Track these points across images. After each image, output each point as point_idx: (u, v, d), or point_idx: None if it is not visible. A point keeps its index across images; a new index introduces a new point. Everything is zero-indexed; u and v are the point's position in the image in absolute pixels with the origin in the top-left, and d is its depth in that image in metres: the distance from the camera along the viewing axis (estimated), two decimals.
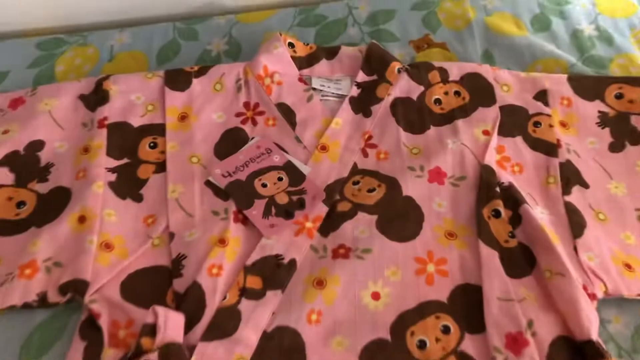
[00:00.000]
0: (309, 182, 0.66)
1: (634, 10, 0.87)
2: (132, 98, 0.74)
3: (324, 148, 0.70)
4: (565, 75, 0.77)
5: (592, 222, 0.65)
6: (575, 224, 0.64)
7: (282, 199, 0.65)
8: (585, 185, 0.68)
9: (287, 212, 0.65)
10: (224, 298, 0.58)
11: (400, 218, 0.65)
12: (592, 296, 0.59)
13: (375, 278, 0.61)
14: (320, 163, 0.69)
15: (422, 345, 0.57)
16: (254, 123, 0.73)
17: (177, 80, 0.75)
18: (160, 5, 0.87)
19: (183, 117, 0.73)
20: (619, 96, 0.75)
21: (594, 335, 0.55)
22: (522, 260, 0.62)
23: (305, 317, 0.59)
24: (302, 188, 0.66)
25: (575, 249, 0.62)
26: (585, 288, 0.59)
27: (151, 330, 0.54)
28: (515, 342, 0.55)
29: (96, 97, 0.74)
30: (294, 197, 0.66)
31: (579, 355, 0.55)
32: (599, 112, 0.74)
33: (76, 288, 0.59)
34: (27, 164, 0.69)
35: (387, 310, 0.59)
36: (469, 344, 0.57)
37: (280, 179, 0.67)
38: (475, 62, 0.79)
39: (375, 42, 0.79)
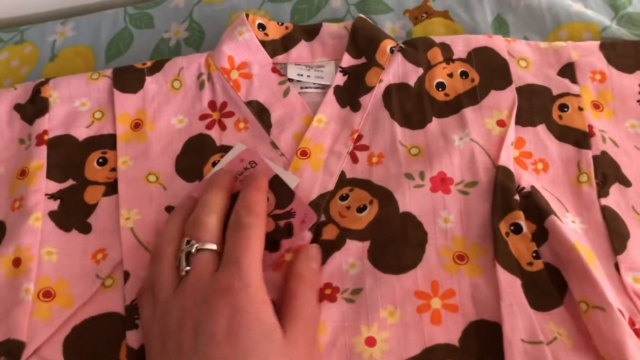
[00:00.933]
0: (297, 201, 0.54)
1: None
2: (76, 105, 0.63)
3: (304, 154, 0.58)
4: (597, 42, 0.63)
5: (637, 230, 0.53)
6: (617, 235, 0.52)
7: (268, 226, 0.53)
8: (626, 182, 0.55)
9: (272, 242, 0.53)
10: None
11: (396, 242, 0.53)
12: (639, 332, 0.47)
13: (369, 321, 0.49)
14: (301, 173, 0.57)
15: None
16: (222, 127, 0.61)
17: (128, 79, 0.63)
18: None
19: (137, 125, 0.61)
20: None
21: None
22: (550, 287, 0.50)
23: None
24: (291, 210, 0.54)
25: (617, 267, 0.50)
26: (631, 321, 0.47)
27: None
28: None
29: (34, 107, 0.62)
30: (281, 222, 0.54)
31: None
32: None
33: (9, 351, 0.49)
34: None
35: (385, 358, 0.48)
36: None
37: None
38: (484, 34, 0.65)
39: (363, 16, 0.66)
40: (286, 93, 0.62)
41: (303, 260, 0.51)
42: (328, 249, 0.53)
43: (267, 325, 0.43)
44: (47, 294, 0.52)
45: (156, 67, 0.63)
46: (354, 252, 0.53)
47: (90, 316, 0.52)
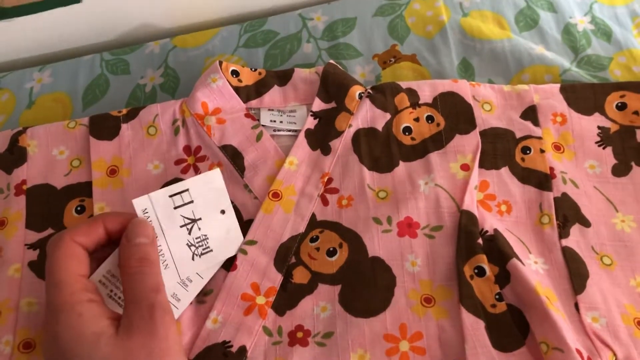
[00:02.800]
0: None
1: None
2: (54, 153, 0.64)
3: (276, 195, 0.60)
4: (558, 85, 0.65)
5: (596, 269, 0.55)
6: (576, 275, 0.54)
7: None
8: (586, 223, 0.58)
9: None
10: None
11: (366, 286, 0.55)
12: None
13: None
14: (273, 215, 0.59)
15: None
16: (197, 171, 0.63)
17: (104, 127, 0.65)
18: (85, 34, 0.75)
19: (112, 172, 0.63)
20: (622, 106, 0.64)
21: None
22: (513, 328, 0.52)
23: None
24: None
25: (577, 306, 0.52)
26: (589, 358, 0.49)
27: None
28: None
29: (12, 157, 0.64)
30: None
31: None
32: (599, 127, 0.63)
33: None
34: None
35: None
36: None
37: None
38: (450, 77, 0.68)
39: (333, 62, 0.68)
40: (259, 137, 0.64)
41: (124, 247, 0.49)
42: (300, 292, 0.55)
43: (86, 336, 0.43)
44: (27, 345, 0.53)
45: (132, 115, 0.65)
46: (325, 295, 0.55)
47: None
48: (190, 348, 0.53)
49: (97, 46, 0.77)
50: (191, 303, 0.55)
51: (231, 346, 0.53)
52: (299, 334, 0.54)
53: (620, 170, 0.61)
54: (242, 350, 0.52)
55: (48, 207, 0.61)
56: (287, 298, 0.55)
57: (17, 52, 0.75)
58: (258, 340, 0.54)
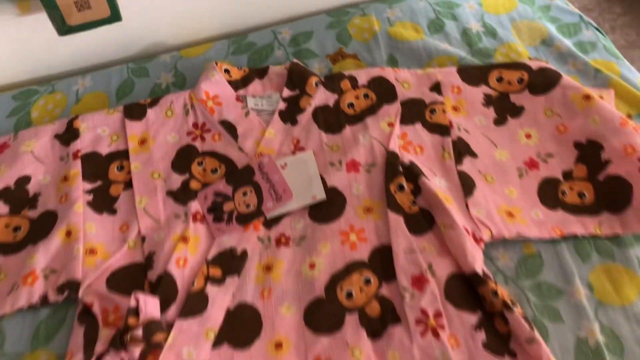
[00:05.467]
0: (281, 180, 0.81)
1: (514, 6, 1.04)
2: (99, 132, 0.89)
3: (261, 154, 0.86)
4: (455, 68, 0.93)
5: (481, 183, 0.81)
6: (466, 187, 0.80)
7: (240, 206, 0.80)
8: (474, 155, 0.84)
9: (244, 219, 0.79)
10: (192, 284, 0.73)
11: (327, 205, 0.80)
12: (479, 240, 0.74)
13: (311, 254, 0.76)
14: None
15: (349, 295, 0.72)
16: (203, 139, 0.88)
17: (134, 112, 0.90)
18: (114, 50, 1.02)
19: (143, 142, 0.88)
20: (500, 79, 0.91)
21: (479, 269, 0.70)
22: (423, 221, 0.77)
23: (259, 295, 0.74)
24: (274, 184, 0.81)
25: (467, 206, 0.78)
26: (474, 235, 0.75)
27: (135, 311, 0.68)
28: (419, 282, 0.71)
29: (69, 135, 0.88)
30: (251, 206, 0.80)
31: (469, 285, 0.71)
32: (484, 94, 0.90)
33: (70, 287, 0.73)
34: (18, 196, 0.83)
35: (321, 275, 0.74)
36: (385, 289, 0.72)
37: (244, 193, 0.82)
38: (380, 67, 0.95)
39: (296, 61, 0.95)
40: (247, 114, 0.90)
41: None
42: (282, 214, 0.80)
43: None
44: (92, 251, 0.77)
45: (154, 102, 0.91)
46: (299, 214, 0.80)
47: (122, 265, 0.77)
48: (208, 252, 0.77)
49: (124, 59, 1.04)
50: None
51: (236, 251, 0.77)
52: (282, 239, 0.78)
53: (499, 121, 0.88)
54: (244, 253, 0.77)
55: (97, 167, 0.86)
56: (273, 218, 0.80)
57: (65, 65, 1.01)
58: (254, 246, 0.78)
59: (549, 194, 0.80)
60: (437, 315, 0.69)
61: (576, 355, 0.68)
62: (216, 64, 0.92)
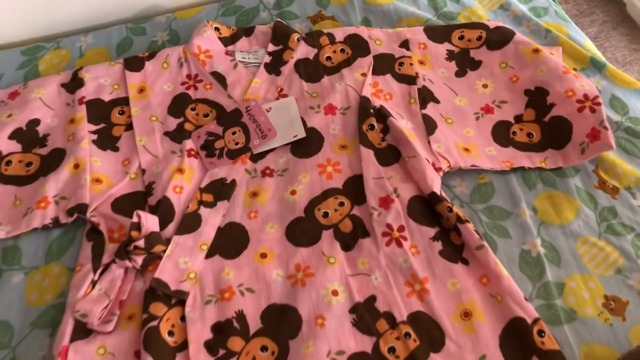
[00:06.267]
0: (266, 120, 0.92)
1: None
2: (102, 81, 0.99)
3: (249, 100, 0.96)
4: (422, 27, 1.04)
5: (442, 125, 0.92)
6: (429, 127, 0.91)
7: (230, 143, 0.90)
8: (437, 101, 0.95)
9: (233, 154, 0.90)
10: (187, 207, 0.83)
11: (306, 142, 0.90)
12: (439, 170, 0.85)
13: (292, 183, 0.86)
14: None
15: (325, 215, 0.83)
16: (195, 88, 0.98)
17: (134, 64, 1.00)
18: (115, 12, 1.12)
19: (141, 90, 0.98)
20: (461, 37, 1.02)
21: (437, 190, 0.81)
22: (390, 155, 0.88)
23: (246, 216, 0.84)
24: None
25: (429, 142, 0.89)
26: (434, 165, 0.86)
27: (137, 226, 0.78)
28: (385, 202, 0.82)
29: (74, 84, 0.98)
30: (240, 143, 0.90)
31: (429, 206, 0.82)
32: (447, 50, 1.01)
33: (79, 210, 0.83)
34: (29, 136, 0.93)
35: (301, 199, 0.85)
36: (356, 210, 0.83)
37: (234, 133, 0.92)
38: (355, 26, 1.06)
39: (280, 20, 1.05)
40: (235, 66, 1.00)
41: None
42: (266, 151, 0.90)
43: None
44: (97, 181, 0.86)
45: (151, 56, 1.01)
46: (281, 150, 0.90)
47: (125, 192, 0.86)
48: (201, 182, 0.87)
49: (123, 20, 1.14)
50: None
51: (226, 180, 0.87)
52: (267, 171, 0.89)
53: (460, 73, 0.99)
54: (233, 182, 0.87)
55: (100, 111, 0.95)
56: (258, 153, 0.90)
57: (69, 25, 1.11)
58: (242, 177, 0.88)
59: (502, 134, 0.92)
60: (401, 229, 0.80)
61: (520, 264, 0.80)
62: (207, 21, 1.02)
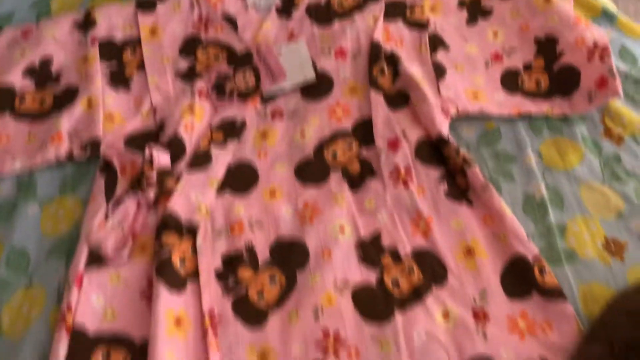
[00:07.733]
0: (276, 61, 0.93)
1: None
2: (114, 21, 0.99)
3: (259, 43, 0.96)
4: None
5: (452, 71, 0.92)
6: (439, 72, 0.91)
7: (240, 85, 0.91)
8: (447, 48, 0.95)
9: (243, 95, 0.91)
10: (198, 146, 0.85)
11: (317, 85, 0.91)
12: (447, 114, 0.86)
13: (302, 124, 0.88)
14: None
15: (334, 156, 0.84)
16: (206, 30, 0.99)
17: (146, 5, 1.00)
18: None
19: (153, 32, 0.98)
20: None
21: (444, 133, 0.83)
22: (400, 100, 0.89)
23: (256, 155, 0.86)
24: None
25: (438, 88, 0.90)
26: (442, 108, 0.86)
27: (149, 161, 0.80)
28: (393, 144, 0.83)
29: (86, 24, 0.99)
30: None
31: (436, 148, 0.83)
32: (459, 0, 1.01)
33: (93, 144, 0.85)
34: (43, 75, 0.94)
35: (311, 140, 0.86)
36: (365, 152, 0.85)
37: (244, 74, 0.92)
38: None
39: None
40: (246, 9, 1.00)
41: None
42: (277, 93, 0.91)
43: None
44: (110, 118, 0.88)
45: None
46: (292, 94, 0.91)
47: (138, 130, 0.88)
48: (212, 121, 0.88)
49: None
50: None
51: (236, 120, 0.88)
52: (277, 113, 0.90)
53: (470, 21, 0.99)
54: (243, 122, 0.88)
55: (112, 51, 0.96)
56: (269, 96, 0.91)
57: None
58: (252, 117, 0.89)
59: (510, 81, 0.92)
60: (408, 170, 0.81)
61: (524, 207, 0.81)
62: None
